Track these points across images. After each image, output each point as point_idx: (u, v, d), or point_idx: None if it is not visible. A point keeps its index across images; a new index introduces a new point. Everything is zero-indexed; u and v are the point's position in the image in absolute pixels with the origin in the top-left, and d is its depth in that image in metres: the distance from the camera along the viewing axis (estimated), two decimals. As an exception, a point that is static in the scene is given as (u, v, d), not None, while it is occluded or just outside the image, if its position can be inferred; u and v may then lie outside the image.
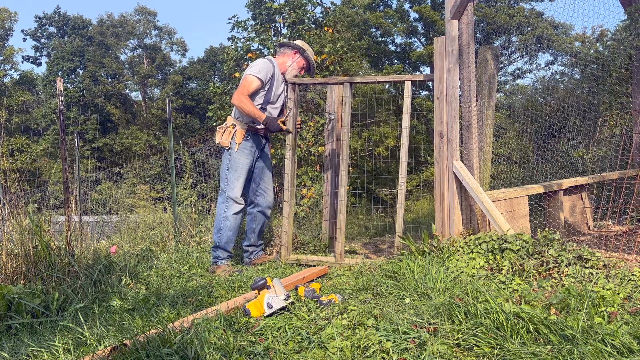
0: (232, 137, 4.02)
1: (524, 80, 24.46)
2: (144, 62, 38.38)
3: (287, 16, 7.77)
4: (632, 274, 2.67)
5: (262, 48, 7.69)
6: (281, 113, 4.26)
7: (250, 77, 3.94)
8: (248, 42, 7.81)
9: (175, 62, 40.59)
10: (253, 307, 2.55)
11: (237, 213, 4.01)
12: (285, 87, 4.23)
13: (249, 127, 4.03)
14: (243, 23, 8.09)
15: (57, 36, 38.16)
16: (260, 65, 4.00)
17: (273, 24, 8.11)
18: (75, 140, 10.56)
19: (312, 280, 3.35)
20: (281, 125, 3.99)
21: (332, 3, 8.22)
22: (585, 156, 5.95)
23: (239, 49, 7.84)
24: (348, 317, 2.36)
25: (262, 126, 4.02)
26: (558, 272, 2.86)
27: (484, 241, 3.26)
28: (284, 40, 4.37)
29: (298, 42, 4.23)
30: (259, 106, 4.03)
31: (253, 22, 8.23)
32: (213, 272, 3.90)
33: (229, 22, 8.09)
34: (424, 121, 17.20)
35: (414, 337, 2.06)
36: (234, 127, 4.03)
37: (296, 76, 4.23)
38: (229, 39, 8.32)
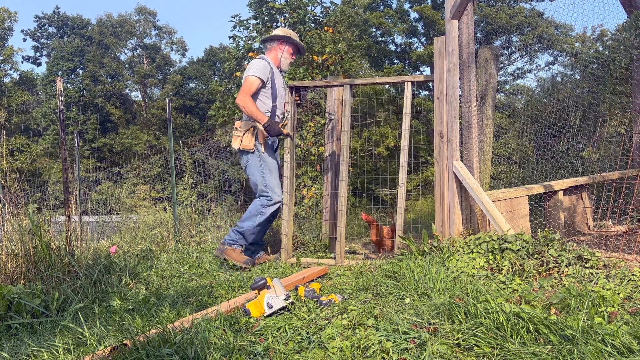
0: (255, 139, 4.05)
1: (524, 81, 24.48)
2: (144, 62, 38.37)
3: (288, 16, 7.78)
4: (632, 274, 2.67)
5: (263, 48, 7.71)
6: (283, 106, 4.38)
7: (252, 77, 4.01)
8: (249, 42, 7.82)
9: (175, 62, 40.60)
10: (253, 307, 2.55)
11: (275, 212, 4.11)
12: (285, 84, 4.31)
13: None
14: (245, 22, 8.11)
15: (56, 36, 38.16)
16: (259, 65, 4.08)
17: (275, 24, 8.12)
18: (75, 140, 10.54)
19: (312, 280, 3.35)
20: (281, 129, 4.03)
21: (332, 3, 8.22)
22: (594, 156, 5.95)
23: (241, 47, 7.85)
24: (348, 317, 2.36)
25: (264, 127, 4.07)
26: (558, 272, 2.86)
27: (484, 241, 3.26)
28: (265, 36, 4.44)
29: (279, 32, 4.28)
30: (272, 106, 4.12)
31: (254, 22, 8.24)
32: (222, 252, 3.97)
33: (231, 21, 8.12)
34: (424, 121, 17.20)
35: (414, 337, 2.06)
36: (254, 130, 4.06)
37: (291, 63, 4.32)
38: (230, 37, 8.34)
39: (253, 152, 4.05)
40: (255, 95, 4.04)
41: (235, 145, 4.11)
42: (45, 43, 38.42)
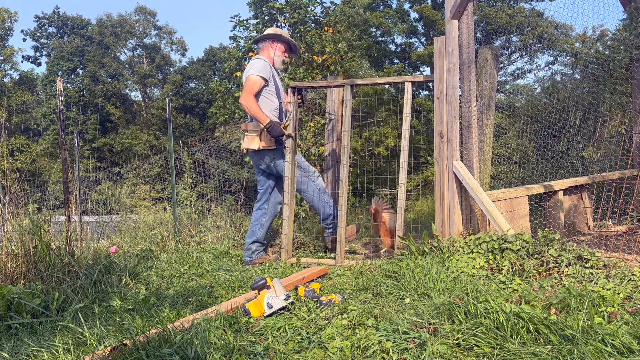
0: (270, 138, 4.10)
1: (525, 80, 24.49)
2: (144, 62, 38.36)
3: (288, 16, 7.78)
4: (632, 274, 2.68)
5: (256, 49, 7.71)
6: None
7: (254, 76, 4.03)
8: (250, 42, 7.82)
9: (175, 62, 40.58)
10: (253, 307, 2.55)
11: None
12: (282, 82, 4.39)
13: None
14: (245, 22, 8.11)
15: (56, 36, 38.14)
16: (259, 64, 4.10)
17: (275, 24, 8.12)
18: (75, 140, 10.54)
19: (312, 280, 3.35)
20: (283, 130, 4.03)
21: (332, 3, 8.23)
22: (594, 155, 5.95)
23: (241, 47, 7.85)
24: (348, 317, 2.36)
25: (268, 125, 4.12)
26: (558, 272, 2.86)
27: (484, 241, 3.26)
28: (256, 36, 4.46)
29: (269, 31, 4.31)
30: (278, 103, 4.16)
31: (255, 22, 8.24)
32: (327, 241, 4.27)
33: (231, 21, 8.12)
34: (424, 121, 17.20)
35: (414, 337, 2.06)
36: None
37: (283, 62, 4.35)
38: (230, 37, 8.35)
39: (275, 149, 4.09)
40: (258, 95, 4.05)
41: (254, 145, 4.09)
42: (45, 43, 38.39)
